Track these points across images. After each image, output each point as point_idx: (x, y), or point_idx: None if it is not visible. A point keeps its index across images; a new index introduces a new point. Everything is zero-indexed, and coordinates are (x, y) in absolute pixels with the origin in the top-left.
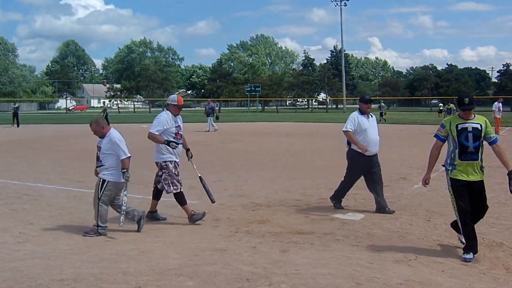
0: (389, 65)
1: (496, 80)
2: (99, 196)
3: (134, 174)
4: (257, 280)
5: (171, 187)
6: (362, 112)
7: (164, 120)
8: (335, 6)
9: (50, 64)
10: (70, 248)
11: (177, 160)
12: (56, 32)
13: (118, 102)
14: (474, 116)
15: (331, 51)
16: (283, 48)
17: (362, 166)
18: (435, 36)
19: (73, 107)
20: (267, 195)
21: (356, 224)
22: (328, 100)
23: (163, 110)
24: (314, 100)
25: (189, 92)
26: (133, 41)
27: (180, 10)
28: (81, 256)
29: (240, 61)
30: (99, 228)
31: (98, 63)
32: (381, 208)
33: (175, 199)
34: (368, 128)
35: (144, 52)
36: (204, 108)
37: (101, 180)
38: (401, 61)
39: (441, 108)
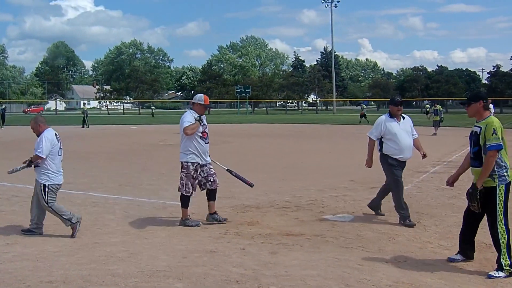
0: (379, 67)
1: (486, 82)
2: (46, 201)
3: (123, 176)
4: (247, 282)
5: (183, 188)
6: (392, 115)
7: (192, 118)
8: (326, 7)
9: (39, 65)
10: (59, 250)
11: (200, 162)
12: (46, 33)
13: (108, 103)
14: (485, 118)
15: (321, 52)
16: (273, 49)
17: (400, 168)
18: (426, 37)
19: (28, 109)
20: (257, 197)
21: (346, 226)
22: (318, 101)
23: (186, 110)
24: (304, 102)
25: (178, 93)
26: (123, 42)
27: (170, 11)
28: (70, 258)
29: (230, 62)
30: (71, 221)
31: (88, 64)
32: (374, 207)
33: (180, 198)
34: (398, 132)
35: (134, 54)
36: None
37: (41, 185)
38: (391, 63)
39: (428, 109)
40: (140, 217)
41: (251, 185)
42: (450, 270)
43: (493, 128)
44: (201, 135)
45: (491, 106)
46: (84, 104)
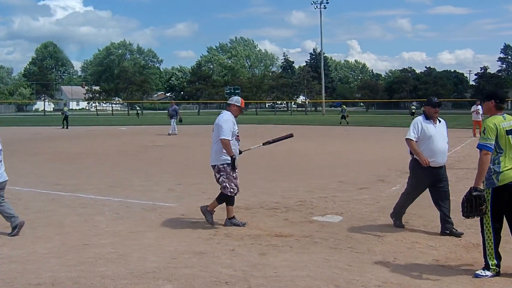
0: (368, 68)
1: (474, 83)
2: None
3: (113, 177)
4: (236, 283)
5: (229, 189)
6: (428, 117)
7: (232, 123)
8: (315, 8)
9: (28, 66)
10: (48, 252)
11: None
12: (35, 34)
13: (97, 104)
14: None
15: (311, 53)
16: (263, 50)
17: (427, 178)
18: (414, 39)
19: None
20: (246, 198)
21: (335, 227)
22: (307, 102)
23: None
24: (293, 103)
25: (168, 94)
26: (112, 43)
27: (160, 12)
28: (59, 260)
29: (219, 63)
30: (16, 221)
31: (77, 65)
32: (447, 229)
33: (219, 194)
34: (434, 135)
35: (123, 54)
36: (168, 110)
37: None
38: (380, 64)
39: (414, 110)
40: (129, 218)
41: (291, 135)
42: (438, 270)
43: (484, 127)
44: (236, 137)
45: (479, 107)
46: (64, 105)
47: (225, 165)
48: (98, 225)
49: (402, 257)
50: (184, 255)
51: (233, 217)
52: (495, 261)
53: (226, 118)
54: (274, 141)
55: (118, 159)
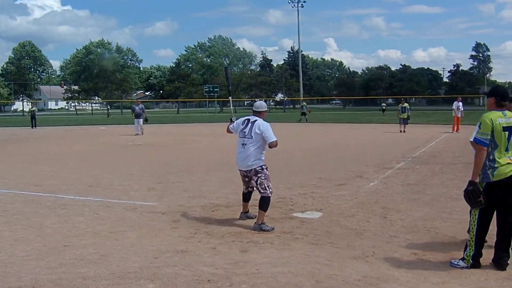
0: (345, 66)
1: (447, 80)
2: None
3: (92, 177)
4: (218, 281)
5: (268, 190)
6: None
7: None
8: (292, 7)
9: (5, 66)
10: (28, 254)
11: None
12: (12, 33)
13: (76, 104)
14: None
15: (288, 52)
16: (241, 49)
17: None
18: (389, 37)
19: None
20: (227, 196)
21: (315, 223)
22: (285, 100)
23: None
24: (271, 101)
25: (147, 93)
26: (92, 42)
27: (138, 11)
28: (39, 262)
29: (198, 62)
30: None
31: (56, 64)
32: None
33: (261, 201)
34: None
35: (102, 53)
36: (133, 109)
37: None
38: (356, 62)
39: (384, 107)
40: (110, 218)
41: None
42: (416, 263)
43: (480, 122)
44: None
45: (460, 104)
46: (32, 104)
47: (263, 166)
48: (79, 225)
49: (381, 251)
50: (165, 254)
51: (264, 224)
52: (471, 253)
53: (267, 124)
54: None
55: (97, 158)
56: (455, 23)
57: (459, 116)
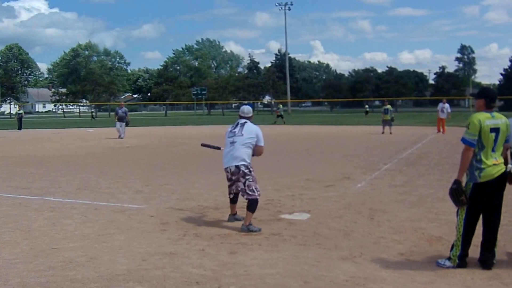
0: (331, 68)
1: (433, 82)
2: None
3: (81, 180)
4: (207, 282)
5: (255, 192)
6: None
7: None
8: (280, 10)
9: None
10: (15, 257)
11: None
12: None
13: (64, 106)
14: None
15: (276, 54)
16: (229, 51)
17: None
18: (375, 39)
19: None
20: (215, 198)
21: (303, 224)
22: (273, 102)
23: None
24: (259, 103)
25: (135, 96)
26: (79, 44)
27: (126, 13)
28: (27, 265)
29: (186, 64)
30: None
31: (43, 67)
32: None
33: (249, 203)
34: None
35: (90, 56)
36: (116, 112)
37: None
38: (343, 64)
39: (367, 110)
40: (98, 221)
41: (219, 148)
42: (403, 263)
43: (469, 122)
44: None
45: (446, 105)
46: (18, 107)
47: (250, 169)
48: (67, 228)
49: (368, 252)
50: (154, 256)
51: (251, 224)
52: (457, 252)
53: (259, 129)
54: (205, 145)
55: (85, 161)
56: (440, 25)
57: (444, 117)
